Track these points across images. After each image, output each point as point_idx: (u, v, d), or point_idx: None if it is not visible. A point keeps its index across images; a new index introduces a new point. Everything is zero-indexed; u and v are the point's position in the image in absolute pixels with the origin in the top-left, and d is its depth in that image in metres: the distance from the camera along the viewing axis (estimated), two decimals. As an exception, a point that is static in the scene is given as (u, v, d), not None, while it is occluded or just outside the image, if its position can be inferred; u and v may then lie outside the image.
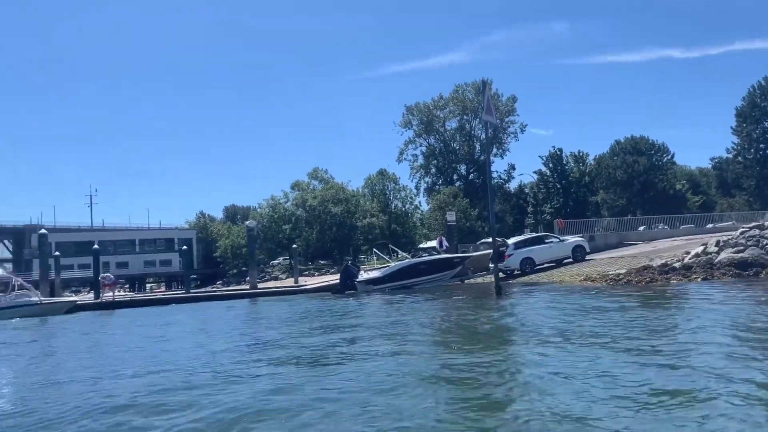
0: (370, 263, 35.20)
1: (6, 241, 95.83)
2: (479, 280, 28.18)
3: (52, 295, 37.69)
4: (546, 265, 27.16)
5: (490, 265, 26.98)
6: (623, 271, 21.03)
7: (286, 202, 74.66)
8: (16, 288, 30.62)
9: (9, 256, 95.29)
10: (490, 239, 23.43)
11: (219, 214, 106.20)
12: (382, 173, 76.25)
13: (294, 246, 55.95)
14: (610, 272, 21.45)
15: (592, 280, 21.09)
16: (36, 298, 30.28)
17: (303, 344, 11.07)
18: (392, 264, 29.57)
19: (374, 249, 36.17)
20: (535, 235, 34.12)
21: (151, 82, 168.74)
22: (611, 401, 5.35)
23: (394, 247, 32.43)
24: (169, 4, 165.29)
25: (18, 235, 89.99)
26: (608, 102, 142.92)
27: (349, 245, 70.58)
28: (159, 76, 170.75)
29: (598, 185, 74.99)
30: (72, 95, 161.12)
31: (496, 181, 73.07)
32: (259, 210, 78.35)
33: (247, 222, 51.08)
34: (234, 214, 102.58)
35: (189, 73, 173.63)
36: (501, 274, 22.81)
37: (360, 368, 7.95)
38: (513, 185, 79.82)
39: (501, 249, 25.62)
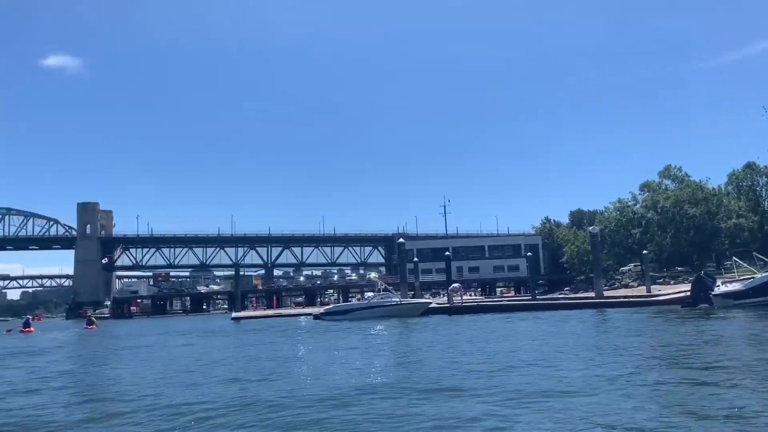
0: (730, 273, 30.56)
1: (380, 248, 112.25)
2: None
3: (414, 297, 42.62)
4: None
5: None
6: None
7: (635, 205, 70.98)
8: (381, 290, 36.28)
9: (382, 261, 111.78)
10: None
11: (565, 219, 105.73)
12: (750, 167, 67.24)
13: (645, 252, 52.74)
14: None
15: None
16: (396, 299, 34.77)
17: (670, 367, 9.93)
18: (759, 275, 25.18)
19: (733, 257, 31.35)
20: None
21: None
22: None
23: (759, 255, 27.55)
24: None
25: (389, 243, 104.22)
26: None
27: (711, 250, 63.04)
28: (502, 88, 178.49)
29: None
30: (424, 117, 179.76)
31: None
32: (605, 214, 76.18)
33: (590, 228, 49.74)
34: (580, 219, 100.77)
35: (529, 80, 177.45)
36: None
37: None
38: None
39: None
